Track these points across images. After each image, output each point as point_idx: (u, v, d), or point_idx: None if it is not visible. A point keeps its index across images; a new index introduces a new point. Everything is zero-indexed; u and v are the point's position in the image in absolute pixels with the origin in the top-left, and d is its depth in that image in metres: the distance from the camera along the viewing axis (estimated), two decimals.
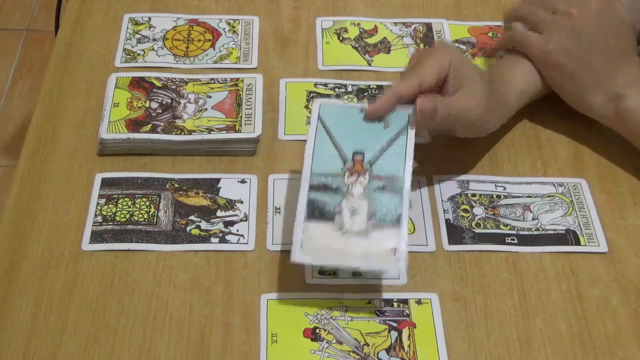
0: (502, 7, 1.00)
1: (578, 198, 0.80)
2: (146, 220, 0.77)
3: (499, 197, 0.80)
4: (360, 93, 0.89)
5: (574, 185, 0.81)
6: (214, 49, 0.94)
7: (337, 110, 0.74)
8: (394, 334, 0.69)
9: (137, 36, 0.95)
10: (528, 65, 0.83)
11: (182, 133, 0.83)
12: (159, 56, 0.93)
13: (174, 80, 0.89)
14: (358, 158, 0.72)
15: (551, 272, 0.75)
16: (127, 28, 0.96)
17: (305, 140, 0.74)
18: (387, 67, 0.92)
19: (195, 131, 0.83)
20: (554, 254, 0.76)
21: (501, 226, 0.78)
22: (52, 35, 1.67)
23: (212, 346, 0.69)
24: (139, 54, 0.93)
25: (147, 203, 0.78)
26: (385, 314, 0.71)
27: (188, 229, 0.77)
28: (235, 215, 0.78)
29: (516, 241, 0.77)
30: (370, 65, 0.93)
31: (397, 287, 0.73)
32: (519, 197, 0.80)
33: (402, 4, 1.01)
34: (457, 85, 0.75)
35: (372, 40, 0.96)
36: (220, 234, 0.76)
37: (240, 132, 0.83)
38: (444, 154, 0.84)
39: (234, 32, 0.96)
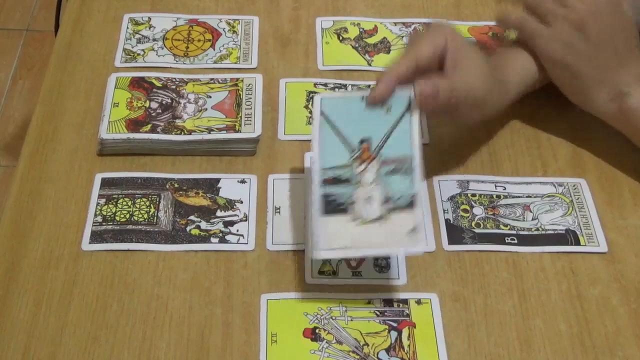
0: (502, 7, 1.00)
1: (578, 198, 0.80)
2: (146, 220, 0.77)
3: (498, 197, 0.80)
4: None
5: (573, 185, 0.81)
6: (214, 49, 0.94)
7: (338, 102, 0.74)
8: (394, 334, 0.69)
9: (137, 36, 0.95)
10: (527, 55, 0.82)
11: (182, 133, 0.83)
12: (159, 56, 0.93)
13: (174, 80, 0.89)
14: (365, 146, 0.71)
15: (551, 272, 0.75)
16: (127, 28, 0.96)
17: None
18: None
19: (195, 131, 0.83)
20: (554, 254, 0.76)
21: (501, 226, 0.78)
22: (52, 35, 1.67)
23: (212, 346, 0.69)
24: (139, 54, 0.93)
25: (147, 203, 0.78)
26: (385, 314, 0.71)
27: (188, 229, 0.77)
28: (235, 215, 0.78)
29: (516, 241, 0.77)
30: (370, 65, 0.93)
31: (396, 287, 0.73)
32: (518, 197, 0.80)
33: (402, 4, 1.01)
34: (456, 63, 0.73)
35: (372, 40, 0.96)
36: (220, 234, 0.76)
37: (240, 132, 0.83)
38: (444, 154, 0.84)
39: (234, 32, 0.96)
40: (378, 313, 0.71)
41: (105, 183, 0.80)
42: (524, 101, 0.89)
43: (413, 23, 0.98)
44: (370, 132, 0.72)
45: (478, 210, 0.79)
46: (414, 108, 0.72)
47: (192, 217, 0.77)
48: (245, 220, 0.77)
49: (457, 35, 0.75)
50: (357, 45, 0.95)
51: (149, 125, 0.83)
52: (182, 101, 0.86)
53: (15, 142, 1.97)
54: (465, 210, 0.79)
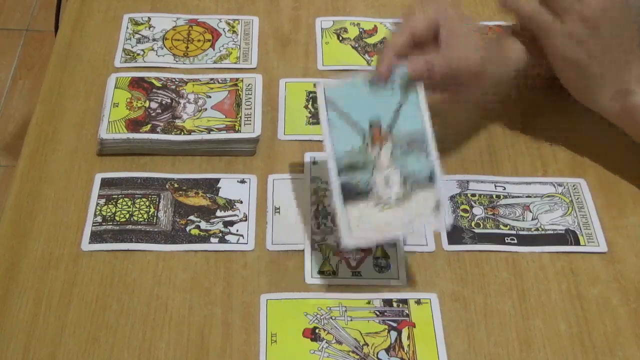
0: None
1: (578, 198, 0.80)
2: (146, 220, 0.77)
3: (498, 197, 0.80)
4: None
5: (573, 185, 0.81)
6: (214, 49, 0.94)
7: (341, 88, 0.73)
8: (394, 334, 0.69)
9: (137, 36, 0.95)
10: (523, 44, 0.81)
11: (182, 133, 0.83)
12: (158, 56, 0.93)
13: (174, 80, 0.89)
14: (376, 127, 0.71)
15: (551, 272, 0.75)
16: (127, 28, 0.96)
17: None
18: None
19: (194, 131, 0.83)
20: (554, 254, 0.76)
21: (501, 226, 0.78)
22: (52, 35, 1.67)
23: (212, 346, 0.69)
24: (138, 54, 0.93)
25: (147, 203, 0.78)
26: (385, 314, 0.71)
27: (188, 229, 0.77)
28: (234, 215, 0.78)
29: (516, 241, 0.77)
30: (370, 65, 0.93)
31: (396, 287, 0.73)
32: (518, 197, 0.80)
33: (402, 4, 1.00)
34: (450, 36, 0.73)
35: (371, 40, 0.96)
36: (220, 234, 0.76)
37: (240, 132, 0.83)
38: (444, 154, 0.84)
39: (234, 32, 0.96)
40: (378, 313, 0.71)
41: (105, 183, 0.80)
42: (523, 101, 0.89)
43: None
44: (378, 113, 0.71)
45: (478, 210, 0.79)
46: (418, 83, 0.72)
47: (191, 217, 0.77)
48: (245, 220, 0.77)
49: (452, 8, 0.75)
50: (356, 45, 0.95)
51: (149, 125, 0.83)
52: (182, 101, 0.86)
53: (15, 142, 1.97)
54: (465, 210, 0.79)
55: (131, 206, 0.78)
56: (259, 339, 0.69)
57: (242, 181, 0.81)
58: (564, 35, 0.77)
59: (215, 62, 0.92)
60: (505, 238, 0.77)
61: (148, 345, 0.68)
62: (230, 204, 0.79)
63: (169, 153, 0.83)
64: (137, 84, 0.88)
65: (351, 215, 0.68)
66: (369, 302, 0.72)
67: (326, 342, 0.69)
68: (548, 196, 0.81)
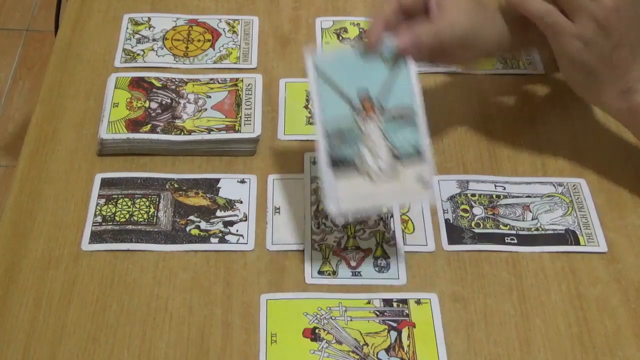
0: None
1: (578, 198, 0.80)
2: (146, 221, 0.77)
3: (498, 197, 0.80)
4: None
5: (573, 185, 0.81)
6: (214, 49, 0.94)
7: (331, 58, 0.73)
8: (394, 334, 0.69)
9: (137, 36, 0.95)
10: (505, 23, 0.79)
11: (182, 133, 0.83)
12: (158, 56, 0.93)
13: (174, 80, 0.89)
14: (365, 99, 0.71)
15: (551, 272, 0.75)
16: (127, 28, 0.96)
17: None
18: None
19: (194, 131, 0.83)
20: (554, 253, 0.76)
21: (501, 226, 0.78)
22: (52, 35, 1.67)
23: (212, 346, 0.69)
24: (138, 54, 0.93)
25: (147, 203, 0.78)
26: (385, 314, 0.71)
27: (188, 229, 0.77)
28: (234, 215, 0.78)
29: (516, 241, 0.77)
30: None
31: (396, 287, 0.73)
32: (518, 197, 0.80)
33: None
34: (440, 4, 0.73)
35: None
36: (220, 234, 0.76)
37: (240, 132, 0.83)
38: (444, 154, 0.84)
39: (234, 32, 0.96)
40: (378, 313, 0.71)
41: (105, 183, 0.80)
42: (523, 101, 0.90)
43: None
44: (368, 85, 0.71)
45: (478, 210, 0.79)
46: (407, 57, 0.72)
47: (191, 217, 0.77)
48: (245, 221, 0.77)
49: None
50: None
51: (149, 126, 0.83)
52: (182, 101, 0.86)
53: (15, 142, 1.97)
54: (465, 210, 0.79)
55: (131, 206, 0.78)
56: (259, 339, 0.69)
57: (242, 181, 0.81)
58: (574, 36, 0.76)
59: (215, 62, 0.92)
60: (505, 238, 0.77)
61: (148, 345, 0.69)
62: (230, 204, 0.79)
63: (169, 153, 0.83)
64: (137, 84, 0.88)
65: (338, 184, 0.68)
66: (368, 302, 0.72)
67: (326, 342, 0.69)
68: (548, 196, 0.81)
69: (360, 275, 0.74)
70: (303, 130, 0.85)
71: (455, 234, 0.77)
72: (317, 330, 0.69)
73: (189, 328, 0.70)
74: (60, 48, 0.94)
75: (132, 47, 0.94)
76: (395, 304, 0.72)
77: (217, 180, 0.81)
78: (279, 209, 0.79)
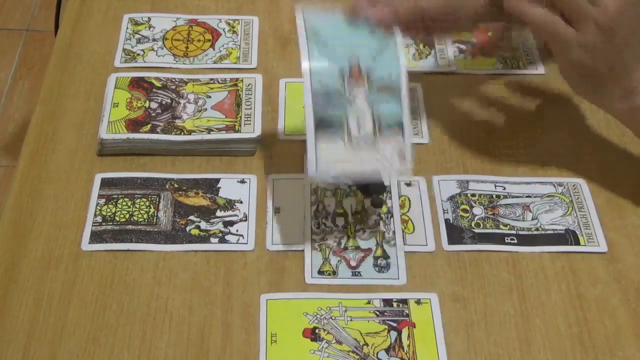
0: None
1: (577, 198, 0.80)
2: (146, 221, 0.77)
3: (498, 197, 0.80)
4: None
5: (573, 185, 0.81)
6: (214, 49, 0.94)
7: (323, 19, 0.73)
8: (394, 334, 0.69)
9: (137, 36, 0.95)
10: None
11: (182, 133, 0.83)
12: (158, 56, 0.93)
13: (174, 80, 0.89)
14: (355, 65, 0.71)
15: (551, 272, 0.75)
16: (127, 28, 0.96)
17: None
18: None
19: (194, 131, 0.83)
20: (554, 253, 0.76)
21: (501, 226, 0.78)
22: (52, 35, 1.67)
23: (212, 346, 0.69)
24: (138, 54, 0.93)
25: (147, 203, 0.78)
26: (385, 314, 0.71)
27: (188, 229, 0.77)
28: (234, 215, 0.78)
29: (516, 241, 0.77)
30: None
31: (396, 287, 0.73)
32: (518, 197, 0.80)
33: None
34: None
35: None
36: (220, 234, 0.76)
37: (240, 132, 0.83)
38: (444, 153, 0.84)
39: (234, 32, 0.96)
40: (378, 313, 0.71)
41: (105, 183, 0.80)
42: (523, 101, 0.90)
43: None
44: (358, 53, 0.71)
45: (478, 210, 0.79)
46: (395, 29, 0.72)
47: (191, 217, 0.77)
48: (245, 221, 0.77)
49: None
50: None
51: (149, 126, 0.83)
52: (182, 101, 0.86)
53: (15, 142, 1.97)
54: (465, 210, 0.79)
55: (131, 206, 0.78)
56: (259, 339, 0.69)
57: (242, 181, 0.81)
58: (576, 44, 0.74)
59: (215, 62, 0.92)
60: (505, 238, 0.77)
61: (148, 345, 0.69)
62: (230, 204, 0.79)
63: (169, 153, 0.83)
64: (137, 84, 0.88)
65: (321, 149, 0.69)
66: (368, 302, 0.72)
67: (326, 342, 0.69)
68: (548, 196, 0.80)
69: (360, 275, 0.74)
70: (303, 130, 0.84)
71: (455, 234, 0.77)
72: (317, 330, 0.69)
73: (189, 328, 0.70)
74: (60, 48, 0.94)
75: (132, 47, 0.94)
76: (395, 304, 0.72)
77: (217, 180, 0.81)
78: (279, 209, 0.79)
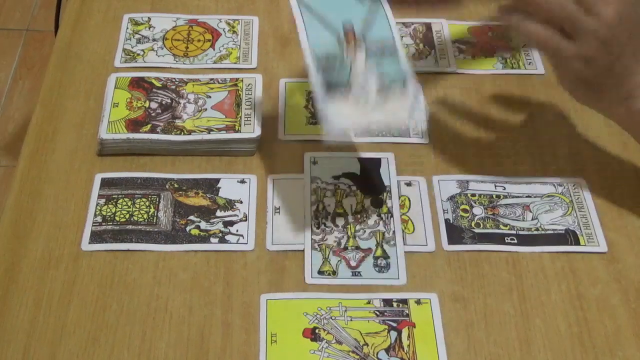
0: None
1: (578, 198, 0.80)
2: (146, 221, 0.77)
3: (498, 197, 0.80)
4: None
5: (573, 185, 0.81)
6: (214, 49, 0.94)
7: None
8: (394, 334, 0.69)
9: (137, 36, 0.95)
10: None
11: (182, 133, 0.83)
12: (158, 56, 0.93)
13: (174, 80, 0.89)
14: (349, 30, 0.72)
15: (551, 272, 0.75)
16: (127, 28, 0.96)
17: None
18: None
19: (194, 131, 0.83)
20: (554, 253, 0.76)
21: (501, 226, 0.78)
22: (52, 35, 1.67)
23: (212, 346, 0.69)
24: (138, 54, 0.93)
25: (147, 203, 0.78)
26: (385, 314, 0.71)
27: (188, 229, 0.77)
28: (234, 215, 0.78)
29: (516, 241, 0.77)
30: None
31: (396, 287, 0.73)
32: (518, 197, 0.80)
33: None
34: None
35: None
36: (220, 234, 0.76)
37: (240, 132, 0.83)
38: (444, 154, 0.84)
39: (234, 32, 0.96)
40: (378, 313, 0.71)
41: (105, 183, 0.80)
42: (523, 101, 0.90)
43: (413, 23, 0.98)
44: (351, 18, 0.73)
45: (478, 210, 0.79)
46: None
47: (191, 217, 0.77)
48: (245, 221, 0.78)
49: None
50: None
51: (149, 126, 0.83)
52: (182, 101, 0.86)
53: (15, 142, 1.97)
54: (465, 210, 0.79)
55: (131, 206, 0.78)
56: (259, 339, 0.69)
57: (242, 181, 0.81)
58: (576, 57, 0.73)
59: (215, 62, 0.92)
60: (505, 238, 0.77)
61: (148, 345, 0.69)
62: (230, 204, 0.79)
63: (169, 153, 0.83)
64: (137, 84, 0.88)
65: (333, 109, 0.69)
66: (368, 302, 0.72)
67: (326, 342, 0.69)
68: (548, 196, 0.81)
69: (360, 275, 0.74)
70: (303, 130, 0.85)
71: (455, 234, 0.77)
72: (317, 330, 0.69)
73: (189, 328, 0.70)
74: (60, 48, 0.94)
75: (132, 47, 0.94)
76: (395, 304, 0.72)
77: (217, 180, 0.81)
78: (279, 209, 0.79)
